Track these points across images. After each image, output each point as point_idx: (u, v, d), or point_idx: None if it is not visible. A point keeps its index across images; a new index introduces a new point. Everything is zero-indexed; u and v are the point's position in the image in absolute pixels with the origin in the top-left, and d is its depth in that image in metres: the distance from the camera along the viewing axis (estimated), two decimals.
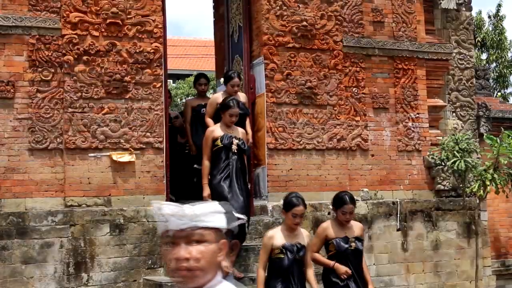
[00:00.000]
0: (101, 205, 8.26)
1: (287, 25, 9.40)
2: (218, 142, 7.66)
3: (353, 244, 6.40)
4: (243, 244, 7.73)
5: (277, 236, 6.05)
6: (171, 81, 26.96)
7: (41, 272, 7.77)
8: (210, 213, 2.31)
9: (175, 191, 9.62)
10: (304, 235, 6.19)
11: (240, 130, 8.00)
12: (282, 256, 5.98)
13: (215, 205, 2.35)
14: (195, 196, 9.51)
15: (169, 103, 10.94)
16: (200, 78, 10.01)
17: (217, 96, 8.75)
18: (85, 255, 7.97)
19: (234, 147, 7.68)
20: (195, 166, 9.16)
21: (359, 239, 6.49)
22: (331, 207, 6.83)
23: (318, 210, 9.04)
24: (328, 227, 6.49)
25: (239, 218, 7.60)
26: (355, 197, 9.89)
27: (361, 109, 9.78)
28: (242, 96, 8.82)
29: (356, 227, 6.58)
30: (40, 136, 8.10)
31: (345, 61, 9.77)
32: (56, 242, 7.89)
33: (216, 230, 2.31)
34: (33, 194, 8.04)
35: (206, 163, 7.71)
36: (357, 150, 9.70)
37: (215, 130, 7.78)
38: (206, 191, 7.67)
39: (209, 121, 8.61)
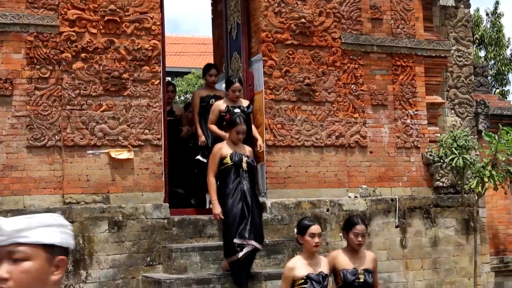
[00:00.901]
0: (99, 202, 8.26)
1: (285, 22, 9.40)
2: (228, 160, 7.48)
3: (361, 276, 5.99)
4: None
5: (298, 266, 5.70)
6: (169, 78, 26.94)
7: None
8: (35, 228, 2.04)
9: (182, 184, 9.59)
10: (324, 262, 5.85)
11: (247, 148, 7.85)
12: (306, 286, 5.63)
13: (43, 218, 2.08)
14: (198, 188, 9.45)
15: (173, 97, 10.83)
16: (211, 69, 9.68)
17: (219, 104, 8.70)
18: (84, 252, 7.97)
19: (244, 165, 7.54)
20: (197, 157, 9.02)
21: (369, 271, 6.05)
22: (341, 235, 6.40)
23: (317, 206, 9.02)
24: (337, 257, 6.11)
25: (244, 245, 7.38)
26: (353, 194, 9.95)
27: (359, 106, 9.78)
28: (245, 103, 8.79)
29: (368, 258, 6.17)
30: (38, 134, 8.09)
31: (343, 58, 9.77)
32: None
33: (46, 246, 2.05)
34: (32, 192, 8.03)
35: (212, 180, 7.51)
36: (355, 147, 9.70)
37: (223, 147, 7.60)
38: (217, 209, 7.43)
39: (213, 127, 8.57)
